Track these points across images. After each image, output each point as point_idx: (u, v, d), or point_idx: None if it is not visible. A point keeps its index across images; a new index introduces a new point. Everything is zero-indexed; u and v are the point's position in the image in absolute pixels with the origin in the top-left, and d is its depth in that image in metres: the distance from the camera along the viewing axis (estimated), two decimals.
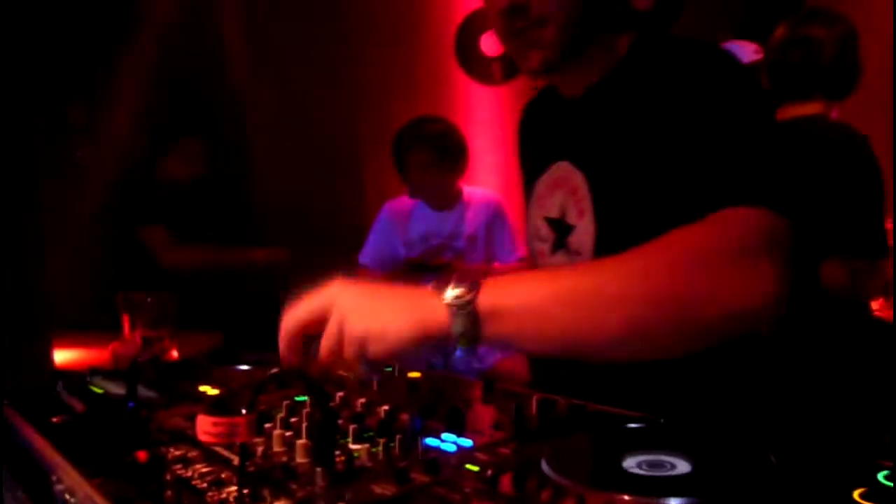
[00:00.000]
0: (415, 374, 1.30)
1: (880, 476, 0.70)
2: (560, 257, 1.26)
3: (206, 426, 0.79)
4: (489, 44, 4.11)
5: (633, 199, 1.11)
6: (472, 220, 3.24)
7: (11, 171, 2.03)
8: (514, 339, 0.91)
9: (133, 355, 1.85)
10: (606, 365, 1.05)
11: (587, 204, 1.19)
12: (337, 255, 3.25)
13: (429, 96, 4.02)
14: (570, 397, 1.07)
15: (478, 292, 0.89)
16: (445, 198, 3.24)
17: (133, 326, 2.27)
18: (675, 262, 0.91)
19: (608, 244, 1.15)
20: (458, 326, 0.88)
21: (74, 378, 1.40)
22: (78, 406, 1.23)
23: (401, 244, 3.29)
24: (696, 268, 0.90)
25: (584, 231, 1.20)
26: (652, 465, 0.74)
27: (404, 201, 3.34)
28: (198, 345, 2.06)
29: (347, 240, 3.47)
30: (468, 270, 2.86)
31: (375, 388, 1.22)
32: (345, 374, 0.95)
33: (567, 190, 1.24)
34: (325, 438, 0.81)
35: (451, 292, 0.89)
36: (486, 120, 3.91)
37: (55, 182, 3.05)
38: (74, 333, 2.53)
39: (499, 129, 3.82)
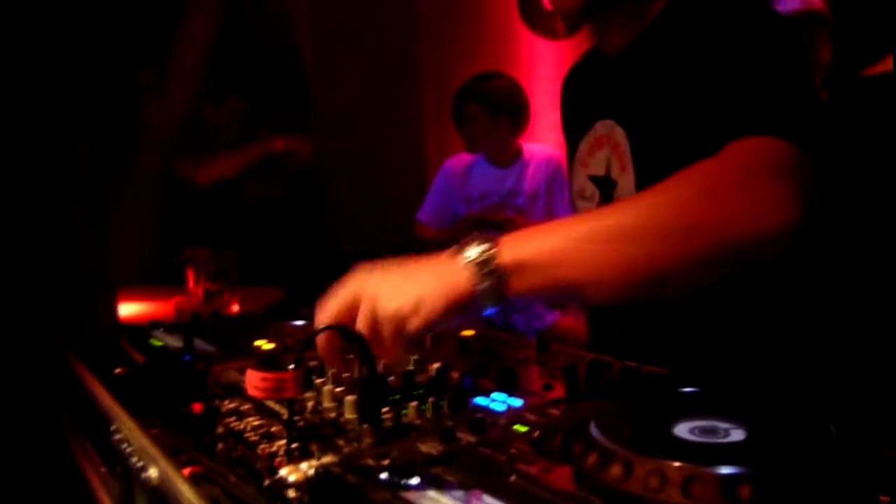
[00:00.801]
0: (467, 333, 1.30)
1: None
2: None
3: (254, 381, 0.80)
4: None
5: (671, 150, 1.10)
6: (532, 178, 3.20)
7: (82, 130, 2.07)
8: (541, 290, 0.90)
9: (194, 309, 1.88)
10: (662, 324, 1.04)
11: (628, 159, 1.19)
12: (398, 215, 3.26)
13: (491, 52, 3.96)
14: (625, 355, 1.05)
15: (497, 249, 0.88)
16: (503, 154, 3.22)
17: (196, 281, 2.32)
18: (690, 191, 0.91)
19: None
20: (482, 286, 0.87)
21: (137, 331, 1.43)
22: (139, 358, 1.26)
23: (460, 202, 3.28)
24: (709, 195, 0.90)
25: (625, 186, 1.21)
26: (704, 431, 0.72)
27: (464, 158, 3.32)
28: (259, 300, 2.09)
29: (409, 198, 3.47)
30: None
31: (428, 345, 1.22)
32: (388, 361, 0.93)
33: (610, 147, 1.25)
34: (371, 395, 0.81)
35: (471, 252, 0.89)
36: (549, 76, 3.83)
37: (122, 140, 3.12)
38: (140, 288, 2.60)
39: (560, 88, 3.75)
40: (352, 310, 0.91)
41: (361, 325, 0.89)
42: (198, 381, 1.10)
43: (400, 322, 0.87)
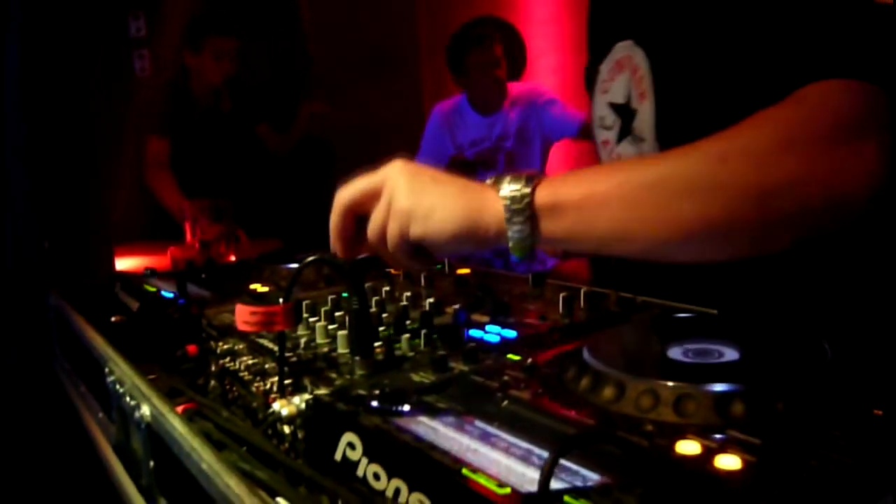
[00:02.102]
0: (464, 271, 1.29)
1: None
2: (626, 146, 1.16)
3: (244, 315, 0.79)
4: None
5: (697, 79, 1.00)
6: (518, 116, 3.18)
7: (74, 83, 2.05)
8: (575, 236, 0.81)
9: (190, 258, 1.88)
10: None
11: (648, 85, 1.08)
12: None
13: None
14: (623, 288, 1.04)
15: (535, 187, 0.81)
16: (497, 100, 3.19)
17: (193, 232, 2.31)
18: (758, 146, 0.78)
19: (670, 129, 1.05)
20: (512, 230, 0.81)
21: (131, 279, 1.43)
22: (134, 305, 1.26)
23: (452, 147, 3.27)
24: (782, 152, 0.77)
25: (645, 115, 1.09)
26: (698, 353, 0.71)
27: (452, 103, 3.30)
28: (257, 251, 2.08)
29: (405, 145, 3.44)
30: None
31: (422, 282, 1.21)
32: (390, 265, 0.89)
33: (630, 70, 1.13)
34: (362, 327, 0.80)
35: (508, 187, 0.81)
36: (545, 19, 3.77)
37: (117, 94, 3.09)
38: (136, 244, 2.59)
39: (556, 31, 3.70)
40: (372, 197, 0.85)
41: (374, 214, 0.85)
42: (192, 324, 1.10)
43: (407, 220, 0.82)
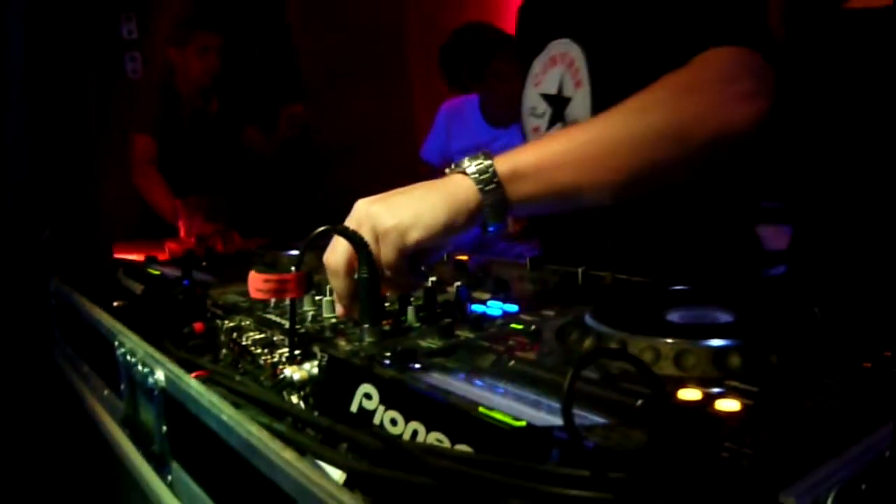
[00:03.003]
0: (462, 257, 1.32)
1: None
2: (556, 131, 1.31)
3: (257, 283, 0.81)
4: None
5: (627, 66, 1.16)
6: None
7: (71, 81, 2.07)
8: (538, 196, 0.94)
9: (189, 249, 1.90)
10: (650, 239, 1.07)
11: (584, 74, 1.25)
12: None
13: (477, 2, 3.95)
14: (616, 271, 1.07)
15: (493, 161, 0.92)
16: (516, 115, 3.18)
17: (189, 228, 2.33)
18: (667, 95, 0.99)
19: (603, 110, 1.17)
20: (484, 197, 0.90)
21: (133, 265, 1.45)
22: (137, 289, 1.28)
23: (455, 147, 3.27)
24: (685, 97, 0.98)
25: (579, 101, 1.26)
26: (695, 317, 0.75)
27: (459, 102, 3.27)
28: (250, 246, 2.10)
29: (393, 145, 3.47)
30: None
31: (422, 267, 1.24)
32: (394, 289, 0.93)
33: (565, 64, 1.30)
34: (372, 295, 0.83)
35: (472, 166, 0.92)
36: None
37: (109, 94, 3.10)
38: (131, 240, 2.60)
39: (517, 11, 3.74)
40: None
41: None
42: (197, 304, 1.12)
43: (400, 234, 0.87)
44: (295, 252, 1.43)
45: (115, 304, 1.24)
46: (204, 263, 1.46)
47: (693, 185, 1.08)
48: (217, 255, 1.64)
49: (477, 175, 0.91)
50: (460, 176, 0.92)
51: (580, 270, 1.07)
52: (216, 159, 3.26)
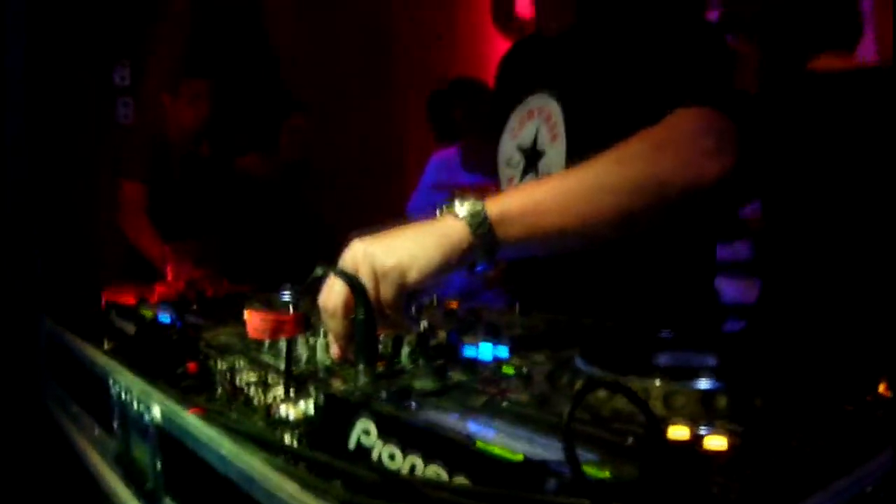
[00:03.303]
0: (452, 304, 1.34)
1: None
2: (530, 181, 1.38)
3: (255, 322, 0.83)
4: (524, 5, 4.12)
5: (603, 122, 1.23)
6: None
7: (64, 130, 2.10)
8: (526, 238, 0.98)
9: (177, 295, 1.90)
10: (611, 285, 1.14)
11: (560, 129, 1.32)
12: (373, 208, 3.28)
13: (466, 55, 4.04)
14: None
15: (483, 203, 0.97)
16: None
17: (177, 274, 2.34)
18: (643, 149, 1.06)
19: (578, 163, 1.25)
20: (475, 237, 0.95)
21: (125, 308, 1.46)
22: (129, 329, 1.29)
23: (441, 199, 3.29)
24: (659, 152, 1.05)
25: (555, 154, 1.33)
26: (681, 360, 0.77)
27: (450, 152, 3.32)
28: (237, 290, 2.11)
29: (382, 188, 3.51)
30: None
31: (412, 312, 1.26)
32: (390, 328, 0.96)
33: (542, 118, 1.37)
34: (368, 336, 0.85)
35: (463, 208, 0.96)
36: None
37: (104, 140, 3.14)
38: (122, 283, 2.61)
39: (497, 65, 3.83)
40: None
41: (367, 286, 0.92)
42: (190, 345, 1.13)
43: (400, 274, 0.91)
44: (287, 295, 1.45)
45: (106, 344, 1.25)
46: (195, 307, 1.47)
47: (653, 236, 1.15)
48: (207, 299, 1.65)
49: (469, 217, 0.95)
50: (452, 217, 0.96)
51: (567, 317, 1.09)
52: (206, 204, 3.28)
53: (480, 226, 0.95)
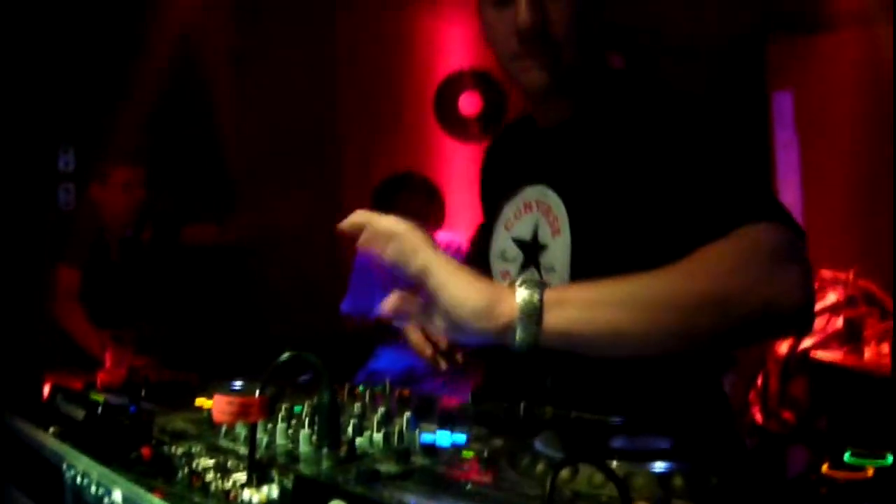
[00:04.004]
0: (405, 392, 1.36)
1: (847, 455, 0.77)
2: (528, 276, 1.29)
3: (221, 405, 0.84)
4: (467, 103, 4.27)
5: (609, 218, 1.20)
6: None
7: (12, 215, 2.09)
8: (575, 328, 0.96)
9: (121, 381, 1.88)
10: (593, 377, 1.12)
11: (563, 224, 1.27)
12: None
13: (410, 151, 4.14)
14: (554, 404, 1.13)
15: (544, 290, 0.95)
16: None
17: (118, 359, 2.30)
18: (717, 268, 1.00)
19: (583, 258, 1.22)
20: (521, 323, 0.94)
21: (73, 392, 1.43)
22: (78, 414, 1.27)
23: (378, 289, 3.34)
24: (735, 272, 0.99)
25: (558, 249, 1.28)
26: (636, 443, 0.81)
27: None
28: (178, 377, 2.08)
29: (328, 288, 3.53)
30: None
31: (367, 399, 1.28)
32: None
33: (541, 211, 1.32)
34: (332, 418, 0.86)
35: (523, 291, 0.94)
36: (464, 175, 4.03)
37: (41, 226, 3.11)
38: (63, 371, 2.55)
39: (475, 184, 3.94)
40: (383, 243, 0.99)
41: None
42: (144, 430, 1.13)
43: (424, 282, 0.95)
44: (238, 384, 1.45)
45: (52, 429, 1.23)
46: (143, 392, 1.46)
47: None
48: (154, 386, 1.63)
49: (523, 301, 0.94)
50: (510, 296, 0.95)
51: (522, 404, 1.12)
52: (145, 290, 3.24)
53: (530, 313, 0.94)
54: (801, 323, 1.04)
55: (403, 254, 0.96)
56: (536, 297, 0.94)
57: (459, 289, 0.95)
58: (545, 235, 1.31)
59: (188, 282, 3.36)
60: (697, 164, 1.13)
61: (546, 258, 1.31)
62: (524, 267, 1.35)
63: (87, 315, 3.08)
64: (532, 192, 1.36)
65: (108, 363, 2.38)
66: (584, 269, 1.21)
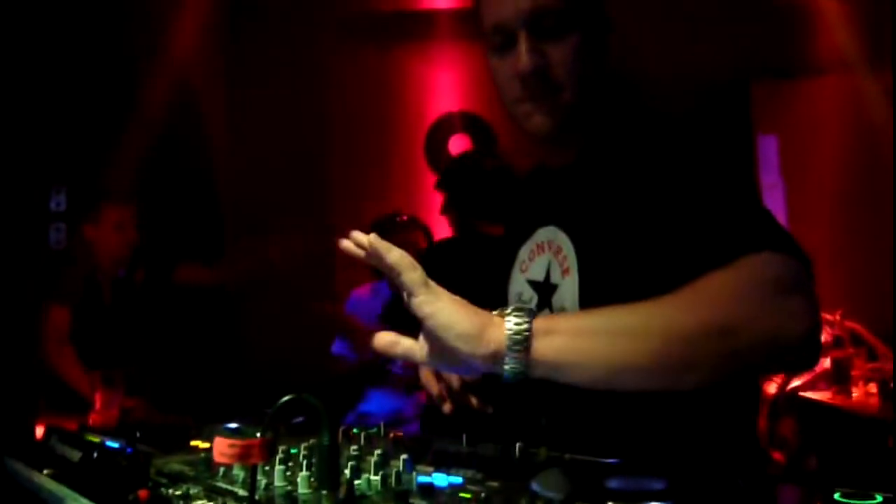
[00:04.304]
0: (399, 434, 1.37)
1: (836, 495, 0.79)
2: (519, 304, 1.29)
3: (222, 447, 0.85)
4: (457, 145, 4.32)
5: (614, 256, 1.21)
6: None
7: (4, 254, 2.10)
8: (564, 357, 0.96)
9: (113, 422, 1.88)
10: (588, 417, 1.13)
11: (572, 262, 1.28)
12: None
13: (400, 193, 4.18)
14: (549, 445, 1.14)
15: (534, 318, 0.96)
16: None
17: (108, 400, 2.30)
18: (717, 296, 0.98)
19: (591, 297, 1.23)
20: (510, 351, 0.94)
21: (67, 433, 1.44)
22: (73, 456, 1.27)
23: (370, 331, 3.35)
24: (737, 301, 0.98)
25: (567, 288, 1.28)
26: (631, 484, 0.82)
27: (368, 288, 3.43)
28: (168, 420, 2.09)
29: (316, 332, 3.54)
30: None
31: (361, 442, 1.28)
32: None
33: (553, 251, 1.34)
34: (332, 461, 0.88)
35: (512, 319, 0.95)
36: None
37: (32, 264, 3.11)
38: (52, 412, 2.54)
39: None
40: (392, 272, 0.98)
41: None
42: (140, 472, 1.13)
43: (418, 316, 0.96)
44: (233, 426, 1.46)
45: (46, 471, 1.23)
46: (138, 434, 1.46)
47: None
48: (150, 427, 1.63)
49: (513, 328, 0.95)
50: (500, 323, 0.96)
51: (518, 446, 1.13)
52: (137, 330, 3.24)
53: (518, 342, 0.94)
54: (806, 353, 1.01)
55: (406, 286, 0.97)
56: (525, 324, 0.94)
57: (450, 313, 0.96)
58: (556, 275, 1.32)
59: (179, 323, 3.36)
60: (698, 197, 1.13)
61: (557, 298, 1.31)
62: (539, 308, 1.35)
63: (76, 355, 3.08)
64: (544, 234, 1.37)
65: (97, 404, 2.38)
66: (592, 306, 1.18)
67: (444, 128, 4.45)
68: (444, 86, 4.36)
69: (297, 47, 4.15)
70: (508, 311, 0.96)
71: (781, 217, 3.59)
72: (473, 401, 1.35)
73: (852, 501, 0.75)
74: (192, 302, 3.45)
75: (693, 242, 1.08)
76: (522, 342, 0.94)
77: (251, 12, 4.20)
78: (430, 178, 4.32)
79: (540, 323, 0.96)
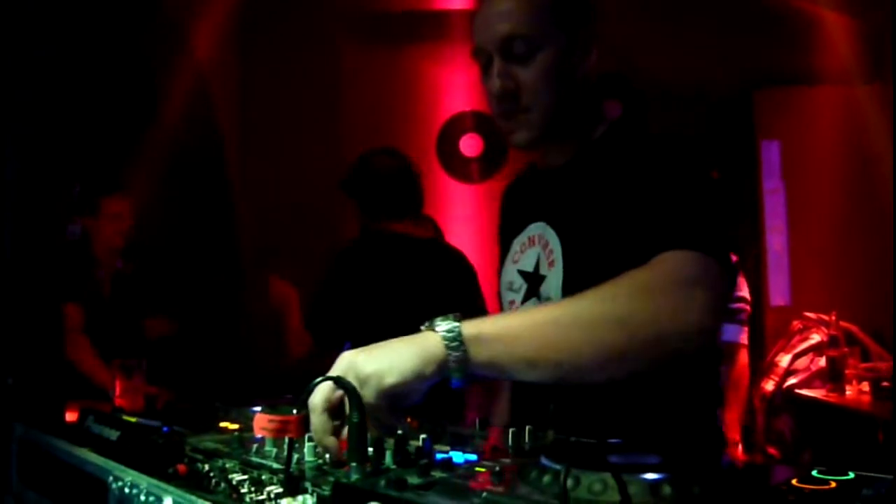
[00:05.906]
0: (414, 424, 1.45)
1: (814, 472, 0.88)
2: (530, 305, 1.49)
3: (262, 423, 0.95)
4: (468, 145, 4.40)
5: (594, 250, 1.36)
6: None
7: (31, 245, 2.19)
8: (497, 361, 1.10)
9: (140, 407, 1.96)
10: (593, 403, 1.23)
11: (557, 256, 1.43)
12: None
13: None
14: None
15: (461, 323, 1.08)
16: None
17: (128, 386, 2.38)
18: (624, 291, 1.12)
19: (573, 288, 1.33)
20: (451, 354, 1.07)
21: (104, 413, 1.53)
22: (112, 434, 1.36)
23: None
24: (639, 295, 1.12)
25: (553, 279, 1.43)
26: (632, 458, 0.91)
27: None
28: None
29: None
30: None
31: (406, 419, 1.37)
32: (378, 428, 1.07)
33: (541, 245, 1.49)
34: (360, 437, 0.97)
35: (442, 325, 1.09)
36: (465, 216, 4.15)
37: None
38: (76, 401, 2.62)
39: (476, 225, 4.07)
40: (338, 392, 1.06)
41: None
42: (177, 448, 1.22)
43: (378, 379, 1.04)
44: (258, 408, 1.54)
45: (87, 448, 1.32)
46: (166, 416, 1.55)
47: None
48: (177, 409, 1.72)
49: (445, 333, 1.08)
50: (432, 333, 1.10)
51: (528, 428, 1.22)
52: (139, 321, 3.34)
53: (454, 342, 1.07)
54: (697, 342, 1.12)
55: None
56: (455, 325, 1.07)
57: (386, 348, 1.08)
58: (544, 267, 1.46)
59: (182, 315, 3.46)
60: (650, 199, 1.27)
61: (544, 288, 1.46)
62: (527, 296, 1.49)
63: (94, 348, 3.17)
64: (534, 228, 1.51)
65: (118, 390, 2.46)
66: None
67: (455, 127, 4.54)
68: (456, 86, 4.44)
69: (309, 48, 4.24)
70: (435, 321, 1.09)
71: (781, 220, 3.69)
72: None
73: (827, 477, 0.84)
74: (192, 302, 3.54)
75: (639, 240, 1.21)
76: (456, 338, 1.07)
77: (264, 13, 4.28)
78: (443, 178, 4.42)
79: (468, 328, 1.08)
